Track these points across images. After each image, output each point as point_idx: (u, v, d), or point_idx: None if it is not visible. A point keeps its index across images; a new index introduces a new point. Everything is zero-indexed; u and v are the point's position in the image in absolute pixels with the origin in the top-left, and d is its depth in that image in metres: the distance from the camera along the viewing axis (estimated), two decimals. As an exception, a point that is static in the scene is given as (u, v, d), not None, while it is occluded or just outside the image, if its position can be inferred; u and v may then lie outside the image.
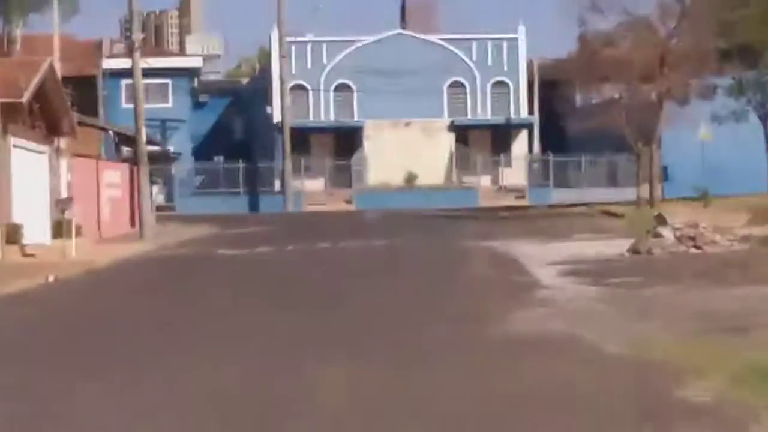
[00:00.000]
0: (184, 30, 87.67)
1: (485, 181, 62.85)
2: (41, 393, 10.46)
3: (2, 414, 9.41)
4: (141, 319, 16.42)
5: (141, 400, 9.91)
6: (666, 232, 24.70)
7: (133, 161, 40.79)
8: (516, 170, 63.49)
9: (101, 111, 54.74)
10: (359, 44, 65.42)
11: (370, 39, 65.80)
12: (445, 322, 14.54)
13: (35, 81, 31.41)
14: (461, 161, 63.96)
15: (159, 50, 77.31)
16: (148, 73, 45.39)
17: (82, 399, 10.07)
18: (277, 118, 62.08)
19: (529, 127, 65.28)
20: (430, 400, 9.43)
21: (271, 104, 63.81)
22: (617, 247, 24.89)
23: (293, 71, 63.34)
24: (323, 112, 65.34)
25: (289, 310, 16.66)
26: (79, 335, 14.88)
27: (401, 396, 9.70)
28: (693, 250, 23.39)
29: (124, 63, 47.52)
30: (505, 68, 65.57)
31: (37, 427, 9.12)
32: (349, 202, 60.06)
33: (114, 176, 41.66)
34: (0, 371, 11.78)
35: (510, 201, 58.82)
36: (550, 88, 63.39)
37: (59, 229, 30.20)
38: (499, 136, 65.31)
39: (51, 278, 22.80)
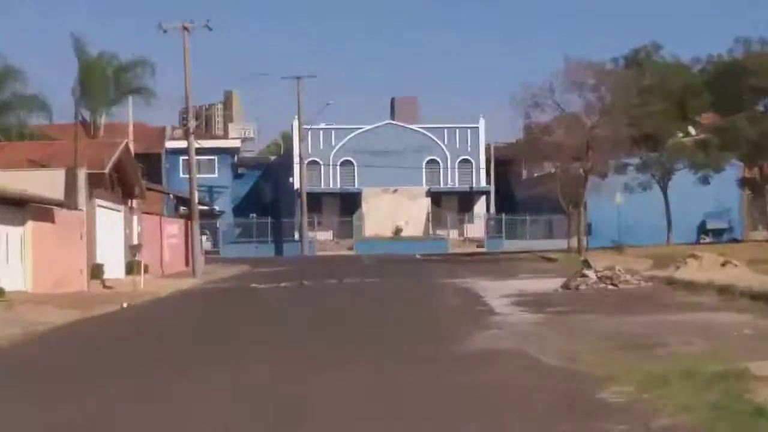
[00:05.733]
0: (227, 119, 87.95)
1: (453, 233, 62.88)
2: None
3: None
4: (191, 332, 16.40)
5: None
6: (590, 273, 24.69)
7: (188, 217, 40.84)
8: (477, 226, 63.54)
9: (164, 180, 54.85)
10: (359, 131, 65.58)
11: (368, 127, 65.99)
12: (424, 342, 14.41)
13: (114, 157, 31.64)
14: (435, 218, 64.01)
15: (208, 134, 77.23)
16: (200, 151, 45.48)
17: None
18: (296, 185, 62.23)
19: (487, 193, 65.39)
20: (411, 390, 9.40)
21: (292, 176, 63.97)
22: (552, 284, 24.95)
23: (309, 150, 63.65)
24: (331, 181, 65.42)
25: (304, 329, 16.62)
26: (148, 342, 14.86)
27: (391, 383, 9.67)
28: (610, 287, 23.43)
29: (181, 144, 47.87)
30: (469, 149, 65.72)
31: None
32: (350, 248, 60.00)
33: (173, 228, 41.70)
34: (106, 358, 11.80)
35: (472, 249, 58.85)
36: (503, 164, 64.09)
37: (131, 268, 30.35)
38: (464, 200, 65.40)
39: (125, 305, 22.80)
